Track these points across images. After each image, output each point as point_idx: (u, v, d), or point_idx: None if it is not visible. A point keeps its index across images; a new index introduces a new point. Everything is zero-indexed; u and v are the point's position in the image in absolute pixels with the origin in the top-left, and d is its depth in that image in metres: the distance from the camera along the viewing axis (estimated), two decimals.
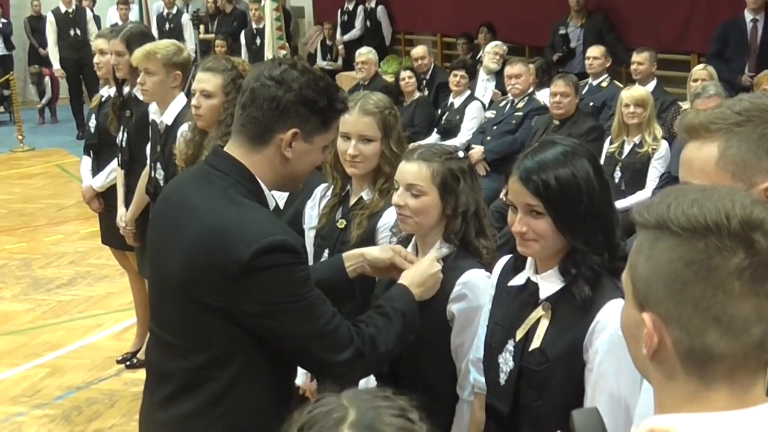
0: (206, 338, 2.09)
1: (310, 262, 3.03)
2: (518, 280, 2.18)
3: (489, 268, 2.39)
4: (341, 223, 2.94)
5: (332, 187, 3.01)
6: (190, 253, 2.06)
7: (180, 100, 4.08)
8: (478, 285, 2.36)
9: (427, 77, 9.19)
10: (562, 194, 2.02)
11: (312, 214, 3.13)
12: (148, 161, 4.29)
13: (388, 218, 2.78)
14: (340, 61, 12.92)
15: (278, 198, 3.19)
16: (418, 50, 9.50)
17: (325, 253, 2.97)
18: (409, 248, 2.55)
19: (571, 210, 2.03)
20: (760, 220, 1.09)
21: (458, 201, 2.43)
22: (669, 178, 5.65)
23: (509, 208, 2.14)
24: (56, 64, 11.97)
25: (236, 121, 2.22)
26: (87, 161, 5.27)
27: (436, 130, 7.77)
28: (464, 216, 2.43)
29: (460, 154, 2.53)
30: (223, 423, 2.10)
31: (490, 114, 7.36)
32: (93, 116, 5.14)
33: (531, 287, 2.14)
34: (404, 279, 2.35)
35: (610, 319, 1.99)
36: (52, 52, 12.05)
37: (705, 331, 1.10)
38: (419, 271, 2.36)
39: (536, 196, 2.03)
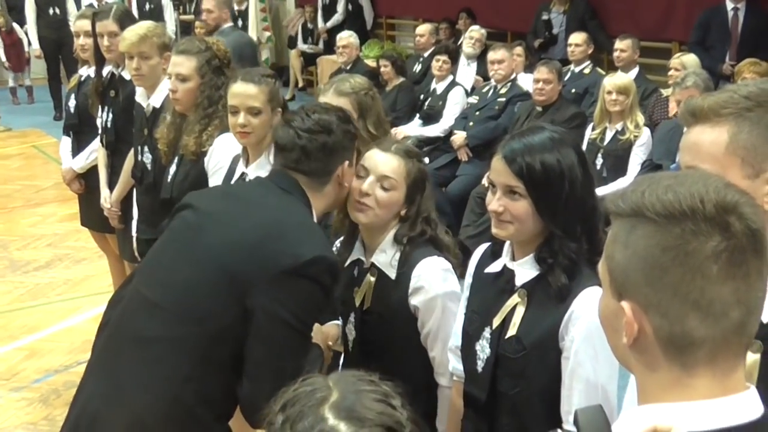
0: (210, 314, 2.17)
1: None
2: (495, 267, 2.18)
3: (454, 262, 2.39)
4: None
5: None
6: (249, 235, 2.21)
7: (168, 83, 4.04)
8: (432, 273, 2.35)
9: (425, 56, 9.17)
10: (545, 178, 2.02)
11: None
12: (134, 144, 4.24)
13: None
14: (321, 45, 12.86)
15: None
16: (421, 29, 9.55)
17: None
18: (357, 246, 2.52)
19: (552, 195, 2.03)
20: (734, 203, 1.09)
21: (421, 204, 2.42)
22: (651, 166, 5.68)
23: (489, 188, 2.14)
24: (35, 44, 11.83)
25: (292, 168, 2.37)
26: (66, 142, 5.20)
27: (418, 115, 7.75)
28: (427, 220, 2.42)
29: (426, 161, 2.54)
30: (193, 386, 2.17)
31: (473, 99, 7.35)
32: (72, 96, 5.07)
33: (507, 274, 2.14)
34: None
35: (585, 307, 1.99)
36: (31, 31, 11.90)
37: (685, 316, 1.10)
38: None
39: (518, 178, 2.03)
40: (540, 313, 2.05)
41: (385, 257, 2.44)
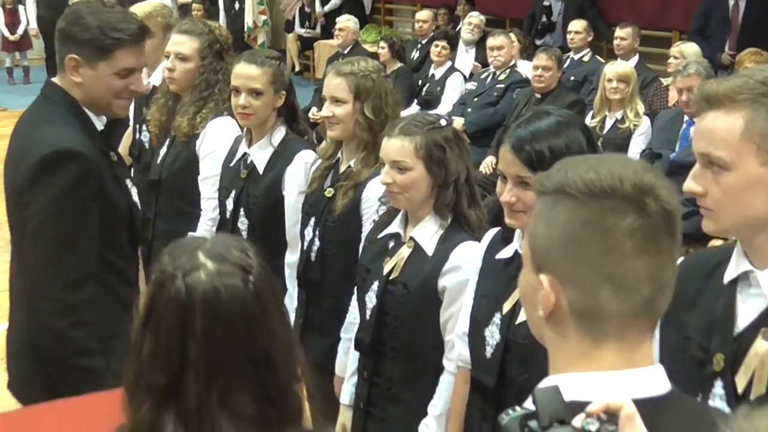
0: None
1: (296, 227, 3.04)
2: (506, 252, 2.15)
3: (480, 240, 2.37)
4: (329, 192, 2.91)
5: (326, 150, 3.00)
6: (16, 153, 2.46)
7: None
8: (470, 258, 2.33)
9: (423, 42, 9.12)
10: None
11: (292, 179, 3.09)
12: (131, 123, 4.19)
13: (372, 189, 2.75)
14: (318, 29, 12.78)
15: (258, 164, 3.16)
16: (421, 14, 9.48)
17: (312, 220, 2.94)
18: (398, 221, 2.53)
19: None
20: (650, 185, 1.15)
21: (447, 171, 2.40)
22: (650, 155, 5.65)
23: (498, 178, 2.11)
24: (33, 23, 11.71)
25: None
26: None
27: (416, 101, 7.71)
28: (455, 185, 2.41)
29: (443, 122, 2.49)
30: None
31: (471, 86, 7.31)
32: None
33: (519, 260, 2.09)
34: None
35: None
36: (30, 9, 11.77)
37: (598, 289, 1.14)
38: None
39: (528, 167, 1.99)
40: None
41: (425, 232, 2.44)
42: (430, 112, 7.30)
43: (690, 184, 1.61)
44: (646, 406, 1.12)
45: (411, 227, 2.47)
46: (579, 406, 1.08)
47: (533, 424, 1.05)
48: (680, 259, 1.38)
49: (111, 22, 2.42)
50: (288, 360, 1.46)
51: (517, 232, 2.12)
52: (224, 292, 1.39)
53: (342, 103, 2.84)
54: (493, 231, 2.27)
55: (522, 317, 2.05)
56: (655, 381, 1.18)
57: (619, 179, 1.14)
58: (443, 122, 2.48)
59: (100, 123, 2.50)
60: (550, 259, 1.18)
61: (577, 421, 1.06)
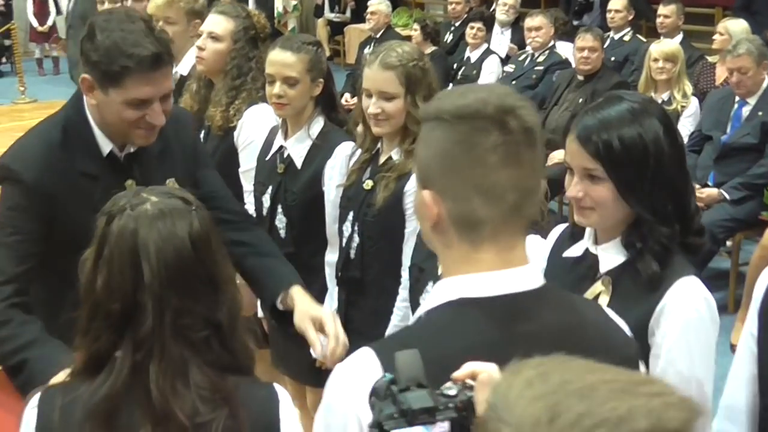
0: None
1: (335, 224, 2.86)
2: (575, 250, 1.96)
3: (545, 234, 2.17)
4: (368, 185, 2.72)
5: (363, 142, 2.79)
6: None
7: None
8: (534, 254, 2.11)
9: (457, 24, 8.89)
10: (626, 157, 1.79)
11: (332, 174, 2.91)
12: None
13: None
14: (348, 13, 12.59)
15: (295, 157, 2.98)
16: None
17: (350, 215, 2.76)
18: None
19: (635, 175, 1.80)
20: (511, 106, 1.27)
21: None
22: (699, 137, 5.42)
23: (566, 171, 1.92)
24: (65, 12, 11.66)
25: None
26: None
27: (451, 85, 7.50)
28: None
29: None
30: None
31: (509, 68, 7.10)
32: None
33: (589, 259, 1.91)
34: None
35: (680, 299, 1.77)
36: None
37: (470, 199, 1.28)
38: None
39: (595, 159, 1.80)
40: (626, 303, 1.82)
41: None
42: None
43: None
44: (522, 298, 1.29)
45: None
46: (468, 302, 1.28)
47: (395, 388, 1.09)
48: None
49: (121, 45, 2.08)
50: (233, 293, 1.56)
51: (588, 229, 1.93)
52: (171, 216, 1.51)
53: (393, 98, 2.63)
54: (560, 227, 2.08)
55: None
56: (530, 277, 1.32)
57: (483, 102, 1.27)
58: None
59: (108, 145, 2.25)
60: (430, 176, 1.32)
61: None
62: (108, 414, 1.47)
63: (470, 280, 1.29)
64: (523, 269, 1.31)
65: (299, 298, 2.34)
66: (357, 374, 1.25)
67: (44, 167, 2.18)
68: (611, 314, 1.45)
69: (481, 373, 1.11)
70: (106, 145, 2.24)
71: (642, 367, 1.48)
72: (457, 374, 1.12)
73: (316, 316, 2.27)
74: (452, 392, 1.09)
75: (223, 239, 2.41)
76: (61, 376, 1.63)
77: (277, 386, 1.63)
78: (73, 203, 2.15)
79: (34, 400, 1.54)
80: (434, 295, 1.33)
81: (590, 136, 1.81)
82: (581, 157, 1.83)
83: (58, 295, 2.14)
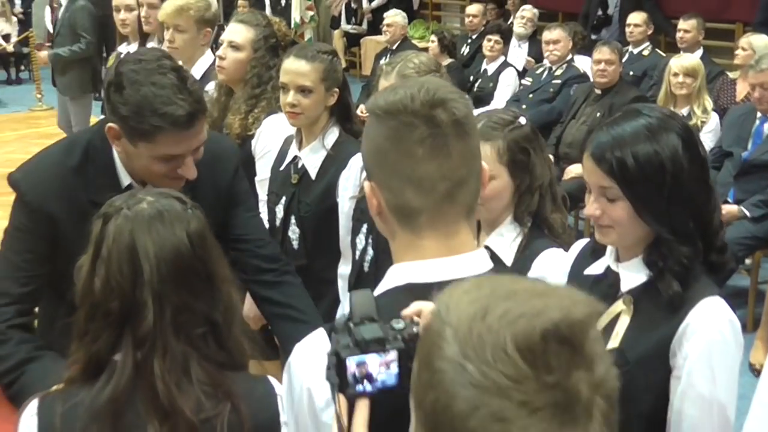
0: None
1: (349, 236, 2.80)
2: (596, 268, 1.90)
3: (567, 248, 2.11)
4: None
5: None
6: None
7: (207, 58, 3.81)
8: (555, 268, 2.07)
9: (474, 37, 8.84)
10: (641, 175, 1.73)
11: (347, 185, 2.86)
12: None
13: None
14: (365, 25, 12.58)
15: (310, 168, 2.94)
16: (472, 8, 9.16)
17: (364, 228, 2.71)
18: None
19: (652, 193, 1.74)
20: (441, 99, 1.31)
21: (533, 175, 2.16)
22: (720, 153, 5.34)
23: (583, 185, 1.86)
24: None
25: None
26: None
27: (467, 98, 7.45)
28: (540, 190, 2.16)
29: (522, 120, 2.24)
30: None
31: (526, 81, 7.04)
32: (116, 63, 4.87)
33: (611, 277, 1.85)
34: None
35: (703, 320, 1.71)
36: None
37: (403, 190, 1.33)
38: None
39: (610, 177, 1.75)
40: (648, 323, 1.77)
41: (503, 241, 2.18)
42: (482, 108, 7.10)
43: None
44: None
45: (485, 235, 2.22)
46: (415, 287, 1.31)
47: (350, 323, 1.24)
48: None
49: (153, 102, 1.93)
50: (229, 291, 1.57)
51: (609, 246, 1.87)
52: (167, 214, 1.53)
53: None
54: (581, 242, 2.02)
55: (612, 343, 1.80)
56: (478, 262, 1.37)
57: (410, 97, 1.32)
58: (522, 120, 2.23)
59: (129, 179, 2.11)
60: (369, 169, 1.39)
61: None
62: (113, 415, 1.46)
63: (417, 266, 1.35)
64: (469, 255, 1.36)
65: None
66: (310, 352, 1.37)
67: (51, 191, 2.10)
68: None
69: (425, 311, 1.19)
70: (125, 179, 2.13)
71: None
72: (405, 312, 1.22)
73: None
74: (400, 326, 1.22)
75: (252, 293, 2.32)
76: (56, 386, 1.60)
77: (272, 380, 1.64)
78: (76, 230, 1.94)
79: (32, 407, 1.52)
80: (384, 281, 1.39)
81: (604, 153, 1.76)
82: (596, 175, 1.78)
83: (53, 306, 2.12)
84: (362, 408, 1.22)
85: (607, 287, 1.85)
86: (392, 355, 1.20)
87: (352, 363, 1.22)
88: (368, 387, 1.23)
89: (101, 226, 1.54)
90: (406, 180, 1.33)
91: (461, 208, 1.36)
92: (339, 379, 1.22)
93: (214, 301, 1.54)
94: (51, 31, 12.75)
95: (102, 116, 5.14)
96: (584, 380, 0.87)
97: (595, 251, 1.93)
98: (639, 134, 1.75)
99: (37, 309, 2.21)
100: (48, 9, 12.82)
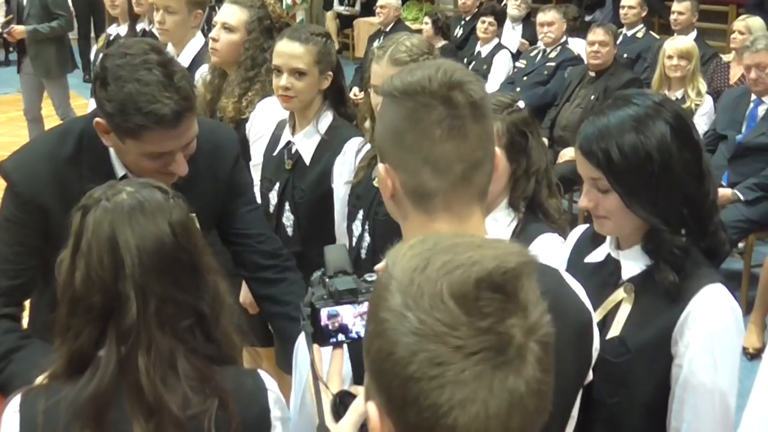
0: None
1: (345, 222, 2.78)
2: (597, 255, 1.88)
3: (562, 233, 2.09)
4: (377, 181, 2.63)
5: (372, 138, 2.70)
6: None
7: (198, 40, 3.75)
8: (552, 253, 2.04)
9: (467, 19, 8.79)
10: (626, 165, 1.71)
11: (342, 170, 2.83)
12: None
13: None
14: (357, 6, 12.50)
15: (304, 153, 2.90)
16: None
17: (360, 214, 2.67)
18: None
19: (639, 183, 1.72)
20: (458, 81, 1.33)
21: (530, 159, 2.13)
22: (714, 136, 5.32)
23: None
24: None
25: None
26: (94, 103, 4.96)
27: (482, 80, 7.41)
28: (536, 176, 2.14)
29: (520, 104, 2.21)
30: None
31: (520, 64, 7.00)
32: (101, 56, 4.82)
33: (611, 265, 1.83)
34: None
35: (705, 308, 1.69)
36: None
37: (419, 170, 1.34)
38: None
39: (598, 168, 1.73)
40: (649, 311, 1.75)
41: (497, 225, 2.14)
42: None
43: None
44: None
45: None
46: None
47: (325, 277, 1.30)
48: None
49: (137, 99, 1.86)
50: (216, 282, 1.53)
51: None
52: (147, 204, 1.48)
53: None
54: (580, 228, 2.00)
55: (613, 332, 1.79)
56: None
57: (428, 79, 1.33)
58: (521, 104, 2.20)
59: (124, 169, 2.05)
60: (385, 150, 1.39)
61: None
62: (96, 412, 1.43)
63: None
64: None
65: None
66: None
67: (44, 182, 2.04)
68: (571, 282, 1.51)
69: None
70: (120, 169, 2.07)
71: (596, 334, 1.53)
72: (378, 266, 1.23)
73: None
74: (373, 278, 1.25)
75: (252, 291, 2.28)
76: (41, 379, 1.56)
77: (262, 373, 1.61)
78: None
79: (14, 403, 1.48)
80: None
81: (591, 145, 1.75)
82: (586, 167, 1.77)
83: (43, 299, 2.09)
84: (337, 358, 1.31)
85: (607, 275, 1.83)
86: (365, 306, 1.22)
87: (325, 313, 1.28)
88: (342, 338, 1.29)
89: (80, 219, 1.50)
90: (423, 161, 1.33)
91: (475, 191, 1.37)
92: (313, 329, 1.28)
93: (199, 292, 1.50)
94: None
95: (91, 98, 5.10)
96: (517, 326, 0.92)
97: (594, 238, 1.90)
98: (625, 124, 1.73)
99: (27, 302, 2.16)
100: None
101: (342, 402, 1.25)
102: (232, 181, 2.31)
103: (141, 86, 1.87)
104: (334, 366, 1.29)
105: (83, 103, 9.22)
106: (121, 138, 1.95)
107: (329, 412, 1.26)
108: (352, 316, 1.27)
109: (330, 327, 1.29)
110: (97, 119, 1.98)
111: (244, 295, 2.62)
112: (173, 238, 1.48)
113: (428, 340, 0.90)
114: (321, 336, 1.29)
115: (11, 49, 13.18)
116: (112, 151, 2.06)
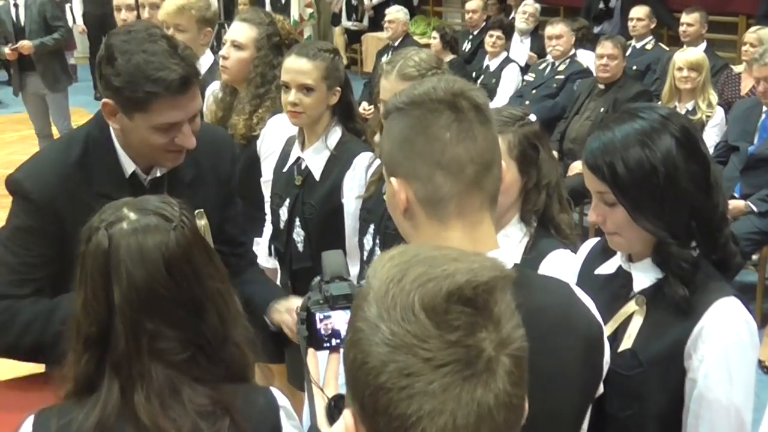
0: None
1: (356, 236, 2.77)
2: (608, 267, 1.87)
3: (574, 248, 2.08)
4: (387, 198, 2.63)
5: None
6: None
7: (207, 58, 3.78)
8: (564, 269, 2.04)
9: (475, 33, 8.80)
10: (633, 180, 1.70)
11: (352, 185, 2.83)
12: None
13: None
14: (365, 21, 12.53)
15: (314, 169, 2.90)
16: (472, 4, 9.05)
17: (371, 228, 2.67)
18: None
19: (645, 197, 1.70)
20: (460, 89, 1.38)
21: (540, 172, 2.12)
22: (726, 148, 5.30)
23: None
24: (78, 19, 11.64)
25: None
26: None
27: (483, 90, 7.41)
28: (547, 189, 2.13)
29: (532, 117, 2.21)
30: None
31: (529, 77, 7.00)
32: (105, 37, 4.83)
33: (623, 277, 1.82)
34: None
35: (719, 321, 1.68)
36: (76, 5, 11.71)
37: (432, 176, 1.35)
38: None
39: (603, 182, 1.73)
40: (661, 324, 1.73)
41: (509, 242, 2.14)
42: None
43: None
44: None
45: None
46: None
47: (322, 282, 1.34)
48: None
49: (145, 68, 1.92)
50: (220, 308, 1.50)
51: None
52: (145, 239, 1.47)
53: None
54: (591, 242, 1.99)
55: (625, 345, 1.77)
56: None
57: (432, 88, 1.37)
58: (532, 117, 2.20)
59: (132, 166, 2.10)
60: (393, 164, 1.40)
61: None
62: None
63: None
64: (492, 254, 1.32)
65: (277, 304, 2.28)
66: None
67: (56, 187, 2.05)
68: (582, 296, 1.51)
69: None
70: (129, 166, 2.10)
71: (607, 347, 1.53)
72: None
73: (290, 306, 2.21)
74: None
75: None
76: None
77: (274, 390, 1.60)
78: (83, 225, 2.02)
79: (29, 423, 1.49)
80: None
81: (596, 159, 1.74)
82: (592, 180, 1.76)
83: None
84: (333, 362, 1.33)
85: (618, 287, 1.82)
86: None
87: (319, 317, 1.32)
88: (336, 342, 1.32)
89: (84, 244, 1.50)
90: (435, 164, 1.35)
91: (486, 196, 1.39)
92: (309, 332, 1.31)
93: (197, 326, 1.48)
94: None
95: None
96: (488, 339, 0.93)
97: (605, 250, 1.90)
98: (630, 139, 1.72)
99: None
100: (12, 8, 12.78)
101: (336, 406, 1.26)
102: (231, 181, 2.35)
103: (148, 56, 1.93)
104: (330, 370, 1.30)
105: (73, 111, 9.25)
106: (129, 114, 1.99)
107: (323, 415, 1.27)
108: (345, 322, 1.28)
109: (323, 331, 1.32)
110: (105, 100, 2.00)
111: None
112: (167, 276, 1.46)
113: (399, 351, 0.92)
114: (316, 340, 1.32)
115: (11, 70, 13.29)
116: (118, 147, 2.09)
